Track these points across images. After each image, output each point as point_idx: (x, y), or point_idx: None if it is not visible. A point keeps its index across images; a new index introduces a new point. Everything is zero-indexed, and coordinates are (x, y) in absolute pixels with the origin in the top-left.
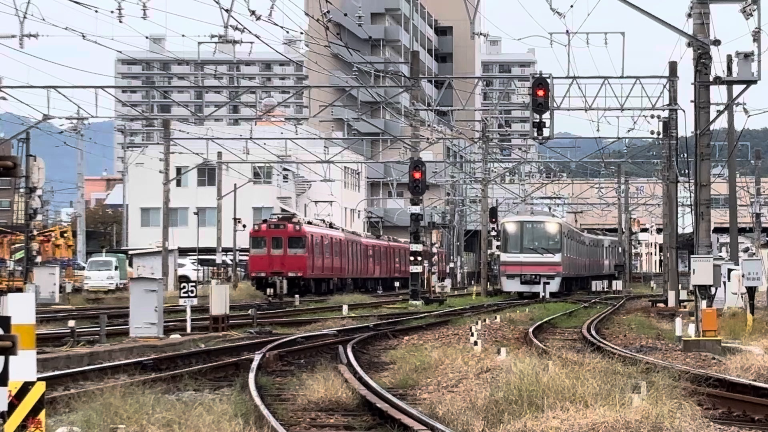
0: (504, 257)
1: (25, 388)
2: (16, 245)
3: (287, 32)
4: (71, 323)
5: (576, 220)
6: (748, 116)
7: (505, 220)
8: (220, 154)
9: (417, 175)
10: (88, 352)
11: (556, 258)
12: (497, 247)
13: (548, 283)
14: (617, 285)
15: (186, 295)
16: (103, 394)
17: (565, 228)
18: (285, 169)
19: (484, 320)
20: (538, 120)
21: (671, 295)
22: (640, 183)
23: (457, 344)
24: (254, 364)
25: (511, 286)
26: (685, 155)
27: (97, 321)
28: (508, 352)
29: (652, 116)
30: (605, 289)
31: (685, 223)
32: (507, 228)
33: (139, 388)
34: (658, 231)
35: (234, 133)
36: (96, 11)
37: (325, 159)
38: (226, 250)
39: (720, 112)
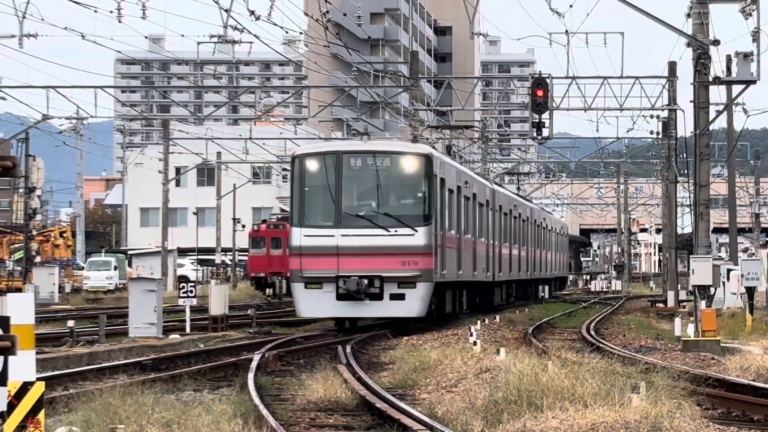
0: (296, 237)
1: (25, 388)
2: (16, 245)
3: (286, 32)
4: (70, 323)
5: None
6: (748, 116)
7: (302, 151)
8: (219, 154)
9: None
10: (88, 352)
11: (419, 238)
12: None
13: (402, 297)
14: (617, 285)
15: (185, 295)
16: (102, 394)
17: (444, 168)
18: (284, 169)
19: (483, 320)
20: (537, 120)
21: (670, 295)
22: (640, 183)
23: (456, 344)
24: (253, 364)
25: (315, 303)
26: (685, 155)
27: (96, 321)
28: (508, 352)
29: (652, 116)
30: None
31: (685, 223)
32: (306, 167)
33: (139, 388)
34: (658, 231)
35: (233, 133)
36: (95, 11)
37: None
38: (225, 250)
39: (719, 112)
